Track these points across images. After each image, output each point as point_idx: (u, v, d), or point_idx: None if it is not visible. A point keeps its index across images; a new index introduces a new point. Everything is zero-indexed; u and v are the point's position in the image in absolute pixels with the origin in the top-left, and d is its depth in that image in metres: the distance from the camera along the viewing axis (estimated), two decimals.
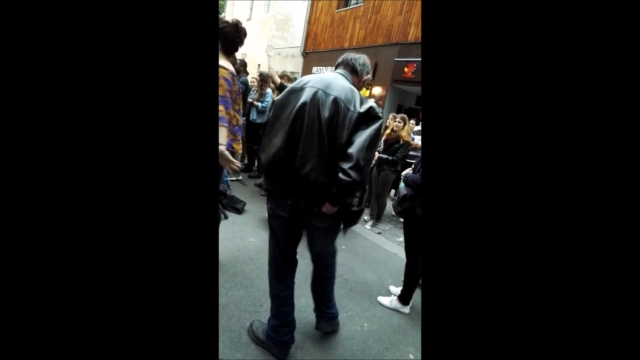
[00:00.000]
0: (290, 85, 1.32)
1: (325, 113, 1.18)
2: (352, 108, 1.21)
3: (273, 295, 1.49)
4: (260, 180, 3.60)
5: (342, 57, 1.44)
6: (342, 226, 1.42)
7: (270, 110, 1.43)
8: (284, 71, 4.31)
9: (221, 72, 1.57)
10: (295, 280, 1.54)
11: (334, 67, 1.49)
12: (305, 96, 1.21)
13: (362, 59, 1.43)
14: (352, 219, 1.37)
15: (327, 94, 1.21)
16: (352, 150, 1.15)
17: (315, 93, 1.21)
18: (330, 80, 1.28)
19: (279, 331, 1.47)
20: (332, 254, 1.63)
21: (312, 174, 1.17)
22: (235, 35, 1.66)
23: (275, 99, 1.34)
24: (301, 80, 1.31)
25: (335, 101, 1.20)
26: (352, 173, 1.13)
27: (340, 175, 1.14)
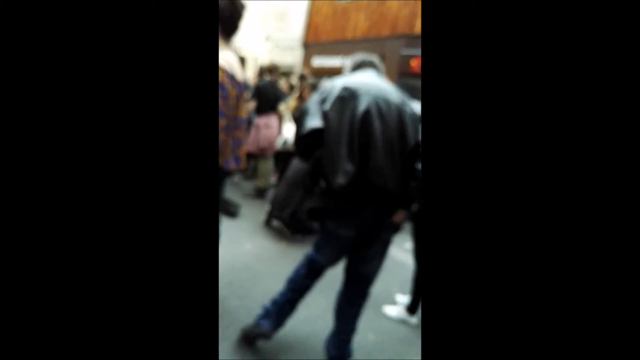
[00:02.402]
0: (332, 90, 1.21)
1: (393, 122, 1.17)
2: (410, 111, 1.22)
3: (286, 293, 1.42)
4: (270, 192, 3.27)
5: (362, 58, 1.40)
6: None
7: (308, 117, 1.25)
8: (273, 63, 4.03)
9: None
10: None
11: (351, 66, 1.40)
12: (364, 107, 1.16)
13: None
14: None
15: (387, 102, 1.19)
16: None
17: (376, 103, 1.17)
18: (379, 85, 1.23)
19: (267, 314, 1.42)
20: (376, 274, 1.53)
21: (389, 185, 1.18)
22: (232, 10, 1.33)
23: (327, 109, 1.18)
24: (345, 85, 1.20)
25: (398, 108, 1.20)
26: None
27: None
